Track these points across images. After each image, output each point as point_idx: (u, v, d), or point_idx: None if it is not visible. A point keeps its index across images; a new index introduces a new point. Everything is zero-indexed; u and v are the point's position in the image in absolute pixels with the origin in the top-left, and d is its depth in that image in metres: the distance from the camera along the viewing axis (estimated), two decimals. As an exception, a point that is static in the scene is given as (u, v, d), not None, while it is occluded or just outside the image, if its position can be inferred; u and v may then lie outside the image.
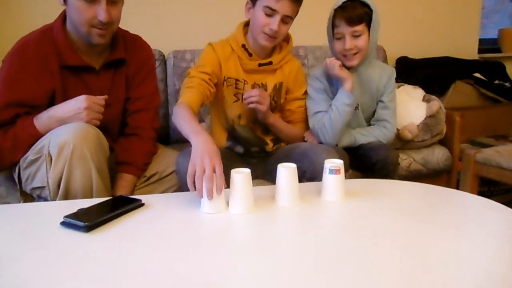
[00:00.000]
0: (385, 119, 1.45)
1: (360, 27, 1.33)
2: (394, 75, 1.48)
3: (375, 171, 1.33)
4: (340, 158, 1.09)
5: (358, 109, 1.46)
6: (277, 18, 1.23)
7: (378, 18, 1.37)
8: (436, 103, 1.70)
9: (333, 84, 1.46)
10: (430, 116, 1.69)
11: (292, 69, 1.41)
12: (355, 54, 1.36)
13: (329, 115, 1.39)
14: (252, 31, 1.31)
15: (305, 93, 1.45)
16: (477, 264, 0.68)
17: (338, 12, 1.34)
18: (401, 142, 1.69)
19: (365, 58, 1.41)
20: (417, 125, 1.66)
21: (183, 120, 1.07)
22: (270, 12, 1.23)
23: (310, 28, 2.29)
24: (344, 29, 1.33)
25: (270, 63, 1.35)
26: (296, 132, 1.45)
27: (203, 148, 0.93)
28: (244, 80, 1.35)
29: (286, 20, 1.26)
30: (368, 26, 1.35)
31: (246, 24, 1.36)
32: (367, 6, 1.34)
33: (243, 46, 1.33)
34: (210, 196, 0.88)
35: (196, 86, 1.23)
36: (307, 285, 0.62)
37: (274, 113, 1.40)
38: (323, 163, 0.99)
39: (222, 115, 1.41)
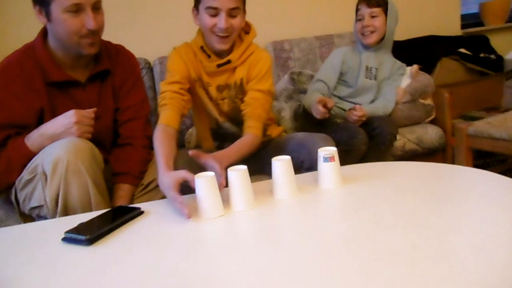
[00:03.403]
0: (386, 93, 1.67)
1: (377, 10, 1.57)
2: (404, 70, 1.71)
3: (373, 137, 1.46)
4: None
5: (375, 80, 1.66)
6: (222, 15, 1.18)
7: (396, 11, 1.61)
8: (415, 66, 1.81)
9: (349, 71, 1.65)
10: (415, 81, 1.80)
11: (254, 60, 1.30)
12: (372, 32, 1.58)
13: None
14: (206, 36, 1.26)
15: (266, 90, 1.30)
16: (481, 232, 0.69)
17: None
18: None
19: (382, 44, 1.63)
20: (404, 89, 1.79)
21: (156, 153, 1.11)
22: (213, 12, 1.18)
23: (292, 21, 2.30)
24: (364, 10, 1.60)
25: (229, 62, 1.27)
26: (249, 142, 1.22)
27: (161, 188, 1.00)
28: (208, 82, 1.31)
29: (233, 13, 1.19)
30: (385, 12, 1.59)
31: None
32: None
33: (202, 48, 1.28)
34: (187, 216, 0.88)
35: (169, 102, 1.21)
36: (314, 274, 0.62)
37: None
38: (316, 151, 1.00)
39: (204, 115, 1.39)
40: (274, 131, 1.45)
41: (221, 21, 1.18)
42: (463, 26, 2.71)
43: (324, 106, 1.44)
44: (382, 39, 1.61)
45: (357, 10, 1.64)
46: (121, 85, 1.29)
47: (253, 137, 1.23)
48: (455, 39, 2.43)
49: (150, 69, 1.95)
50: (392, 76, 1.67)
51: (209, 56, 1.28)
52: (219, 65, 1.28)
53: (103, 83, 1.26)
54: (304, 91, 1.90)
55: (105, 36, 1.24)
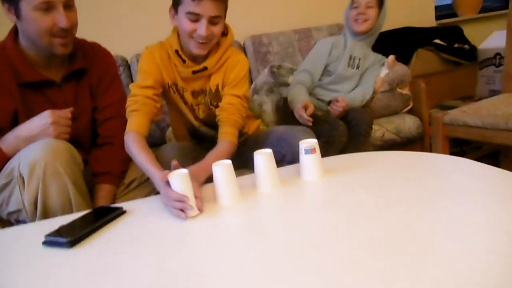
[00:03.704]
0: (365, 82, 1.71)
1: (374, 1, 1.61)
2: (384, 61, 1.76)
3: (350, 128, 1.48)
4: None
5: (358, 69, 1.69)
6: (203, 22, 1.13)
7: (387, 10, 1.65)
8: (392, 56, 1.82)
9: (333, 60, 1.67)
10: (392, 71, 1.84)
11: (230, 65, 1.25)
12: (365, 21, 1.62)
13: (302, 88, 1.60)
14: (182, 39, 1.20)
15: (242, 95, 1.26)
16: (459, 217, 0.71)
17: None
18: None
19: (369, 35, 1.66)
20: (382, 78, 1.81)
21: (139, 159, 1.07)
22: (194, 17, 1.12)
23: (270, 15, 2.30)
24: None
25: (205, 68, 1.23)
26: (226, 149, 1.18)
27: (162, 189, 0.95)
28: (183, 88, 1.26)
29: (215, 20, 1.15)
30: (380, 6, 1.63)
31: None
32: None
33: (177, 52, 1.22)
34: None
35: (141, 108, 1.16)
36: (301, 264, 0.63)
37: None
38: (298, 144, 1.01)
39: (180, 118, 1.36)
40: (251, 127, 1.44)
41: (202, 29, 1.13)
42: (437, 18, 2.77)
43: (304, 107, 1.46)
44: (371, 30, 1.65)
45: None
46: (98, 83, 1.27)
47: (229, 144, 1.19)
48: (430, 30, 2.48)
49: (128, 66, 1.92)
50: (374, 65, 1.71)
51: (184, 61, 1.23)
52: (194, 72, 1.23)
53: (79, 82, 1.23)
54: (284, 84, 1.91)
55: (80, 34, 1.21)
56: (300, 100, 1.51)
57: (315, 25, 2.26)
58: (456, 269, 0.57)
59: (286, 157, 1.20)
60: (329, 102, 1.56)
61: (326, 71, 1.70)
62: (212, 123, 1.30)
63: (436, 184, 0.89)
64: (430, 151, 1.79)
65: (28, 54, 1.14)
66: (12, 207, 1.06)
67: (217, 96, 1.27)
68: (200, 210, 0.88)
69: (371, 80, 1.69)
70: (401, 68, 1.86)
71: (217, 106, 1.27)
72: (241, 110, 1.25)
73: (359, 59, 1.66)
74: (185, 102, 1.30)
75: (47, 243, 0.81)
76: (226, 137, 1.20)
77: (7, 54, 1.13)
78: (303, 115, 1.43)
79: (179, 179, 0.88)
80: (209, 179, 0.98)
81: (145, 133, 1.15)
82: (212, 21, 1.14)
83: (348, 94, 1.63)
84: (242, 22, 1.36)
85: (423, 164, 1.04)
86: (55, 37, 1.09)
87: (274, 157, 0.97)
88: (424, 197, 0.82)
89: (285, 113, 1.70)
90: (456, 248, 0.62)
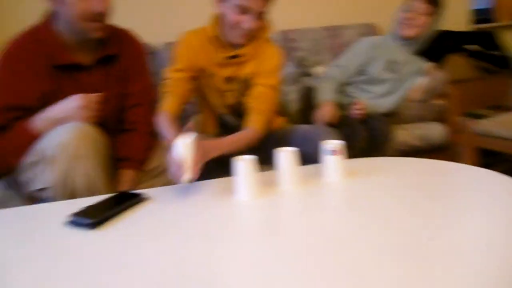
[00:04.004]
0: (400, 89, 1.66)
1: (429, 8, 1.56)
2: (424, 68, 1.71)
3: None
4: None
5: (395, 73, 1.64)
6: (250, 16, 1.16)
7: (439, 21, 1.61)
8: (431, 64, 1.79)
9: (370, 61, 1.64)
10: (432, 79, 1.79)
11: (265, 56, 1.29)
12: (413, 27, 1.56)
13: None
14: (224, 27, 1.23)
15: (274, 86, 1.29)
16: (481, 231, 0.69)
17: None
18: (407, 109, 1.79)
19: (414, 43, 1.61)
20: (422, 87, 1.79)
21: (165, 133, 1.15)
22: (243, 10, 1.16)
23: (301, 11, 2.27)
24: (417, 3, 1.57)
25: (239, 56, 1.26)
26: (249, 136, 1.21)
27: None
28: (216, 73, 1.30)
29: (261, 15, 1.20)
30: (433, 16, 1.58)
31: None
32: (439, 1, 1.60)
33: (214, 37, 1.26)
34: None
35: (173, 90, 1.23)
36: (316, 264, 0.63)
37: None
38: (318, 145, 1.00)
39: (208, 104, 1.38)
40: (275, 123, 1.44)
41: (249, 22, 1.17)
42: (473, 21, 2.67)
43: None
44: (418, 37, 1.60)
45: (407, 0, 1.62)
46: (127, 70, 1.29)
47: (253, 131, 1.22)
48: (464, 34, 2.40)
49: (155, 54, 1.94)
50: (414, 73, 1.67)
51: (220, 47, 1.27)
52: (228, 58, 1.27)
53: (109, 68, 1.25)
54: (309, 75, 1.90)
55: (112, 20, 1.23)
56: (325, 98, 1.49)
57: (345, 23, 2.22)
58: (475, 281, 0.55)
59: (309, 156, 1.19)
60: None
61: (360, 70, 1.66)
62: (239, 112, 1.31)
63: (463, 196, 0.86)
64: (456, 160, 1.74)
65: (62, 37, 1.17)
66: (39, 185, 1.10)
67: (248, 84, 1.30)
68: (192, 178, 0.93)
69: (407, 88, 1.65)
70: (440, 76, 1.80)
71: (247, 94, 1.29)
72: (272, 100, 1.27)
73: (398, 63, 1.62)
74: (217, 88, 1.32)
75: (71, 222, 0.83)
76: (252, 125, 1.22)
77: (41, 37, 1.16)
78: (321, 119, 1.42)
79: (180, 145, 0.93)
80: (227, 173, 0.99)
81: (176, 113, 1.21)
82: (259, 16, 1.19)
83: (377, 100, 1.60)
84: (271, 17, 1.36)
85: (448, 174, 1.01)
86: (91, 22, 1.11)
87: (298, 155, 0.97)
88: (448, 209, 0.80)
89: (307, 103, 1.70)
90: (475, 262, 0.60)
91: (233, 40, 1.23)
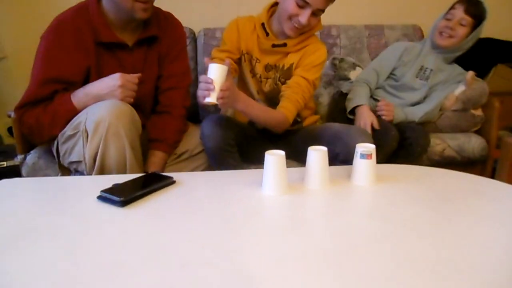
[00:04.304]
0: (432, 100, 1.60)
1: (469, 20, 1.50)
2: (462, 77, 1.64)
3: (402, 147, 1.41)
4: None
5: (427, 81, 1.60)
6: (308, 11, 1.18)
7: (481, 33, 1.55)
8: (471, 73, 1.70)
9: (401, 66, 1.61)
10: (470, 89, 1.70)
11: (310, 50, 1.30)
12: (450, 37, 1.53)
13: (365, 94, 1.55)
14: (278, 15, 1.27)
15: (311, 80, 1.30)
16: (506, 252, 0.66)
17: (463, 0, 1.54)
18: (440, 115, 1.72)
19: (450, 52, 1.57)
20: (456, 96, 1.69)
21: None
22: (302, 3, 1.18)
23: (343, 6, 2.21)
24: (458, 12, 1.52)
25: (284, 45, 1.29)
26: (277, 116, 1.24)
27: None
28: (257, 59, 1.33)
29: (318, 13, 1.22)
30: (474, 27, 1.52)
31: (275, 4, 1.33)
32: (483, 12, 1.53)
33: (263, 24, 1.30)
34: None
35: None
36: (335, 268, 0.62)
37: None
38: (354, 146, 0.98)
39: (243, 89, 1.39)
40: (308, 120, 1.43)
41: (304, 17, 1.19)
42: (526, 32, 2.53)
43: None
44: (454, 47, 1.56)
45: (451, 7, 1.56)
46: (166, 52, 1.30)
47: (282, 116, 1.24)
48: (513, 45, 2.28)
49: (194, 39, 1.95)
50: (448, 81, 1.61)
51: (267, 34, 1.29)
52: (274, 45, 1.29)
53: (149, 49, 1.27)
54: (344, 78, 1.85)
55: (155, 3, 1.24)
56: (362, 102, 1.47)
57: (388, 23, 2.15)
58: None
59: (339, 156, 1.17)
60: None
61: (392, 75, 1.63)
62: (273, 100, 1.33)
63: (497, 216, 0.83)
64: (492, 176, 1.67)
65: (108, 16, 1.19)
66: (74, 157, 1.14)
67: (288, 74, 1.32)
68: (217, 101, 0.99)
69: (440, 97, 1.60)
70: (480, 86, 1.71)
71: (284, 83, 1.31)
72: (306, 93, 1.29)
73: (431, 70, 1.57)
74: (254, 74, 1.35)
75: (101, 198, 0.86)
76: (282, 110, 1.25)
77: (89, 13, 1.18)
78: (363, 125, 1.40)
79: (214, 68, 0.97)
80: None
81: None
82: (316, 13, 1.20)
83: (409, 108, 1.56)
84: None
85: (479, 190, 0.97)
86: (138, 2, 1.12)
87: (327, 154, 0.95)
88: (480, 227, 0.77)
89: (336, 107, 1.66)
90: (492, 280, 0.58)
91: (286, 32, 1.24)
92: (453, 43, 1.54)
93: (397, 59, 1.60)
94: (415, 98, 1.60)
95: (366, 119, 1.42)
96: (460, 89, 1.64)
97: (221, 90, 0.99)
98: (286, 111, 1.24)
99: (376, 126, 1.42)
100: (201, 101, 1.01)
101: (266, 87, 1.36)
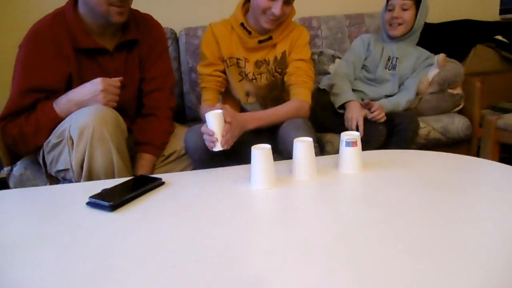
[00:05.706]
0: (409, 87, 1.62)
1: (409, 2, 1.53)
2: (433, 61, 1.66)
3: (393, 134, 1.43)
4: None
5: (394, 71, 1.62)
6: (279, 1, 1.21)
7: (427, 6, 1.56)
8: (442, 55, 1.73)
9: (369, 58, 1.63)
10: (444, 71, 1.73)
11: (295, 35, 1.35)
12: (399, 24, 1.56)
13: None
14: (253, 12, 1.29)
15: (307, 59, 1.36)
16: (499, 228, 0.68)
17: None
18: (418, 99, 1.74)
19: (407, 36, 1.60)
20: (430, 79, 1.72)
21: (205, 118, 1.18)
22: None
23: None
24: (395, 1, 1.56)
25: (270, 38, 1.32)
26: (294, 106, 1.27)
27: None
28: (245, 59, 1.35)
29: (289, 1, 1.24)
30: (417, 6, 1.55)
31: (247, 1, 1.34)
32: None
33: (242, 24, 1.31)
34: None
35: (207, 85, 1.35)
36: (328, 256, 0.63)
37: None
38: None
39: (229, 95, 1.44)
40: None
41: (277, 8, 1.21)
42: (502, 12, 2.57)
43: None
44: (408, 31, 1.59)
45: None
46: (147, 55, 1.30)
47: (298, 101, 1.28)
48: (493, 24, 2.31)
49: (176, 39, 1.94)
50: (418, 67, 1.64)
51: (249, 33, 1.31)
52: (260, 41, 1.32)
53: (130, 53, 1.27)
54: (324, 72, 1.86)
55: (133, 5, 1.23)
56: (350, 98, 1.47)
57: (368, 11, 2.17)
58: (488, 275, 0.55)
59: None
60: (364, 100, 1.52)
61: (364, 66, 1.66)
62: (272, 92, 1.36)
63: (483, 193, 0.85)
64: (477, 154, 1.70)
65: (85, 21, 1.18)
66: (60, 165, 1.13)
67: (283, 63, 1.35)
68: (223, 147, 1.03)
69: (415, 83, 1.62)
70: (453, 67, 1.75)
71: (282, 73, 1.35)
72: (308, 72, 1.33)
73: (396, 58, 1.60)
74: (245, 75, 1.36)
75: (90, 204, 0.86)
76: (297, 97, 1.29)
77: (66, 20, 1.17)
78: (354, 127, 1.41)
79: (210, 117, 1.02)
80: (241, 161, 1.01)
81: (216, 103, 1.33)
82: (287, 1, 1.23)
83: (390, 100, 1.58)
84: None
85: (467, 169, 0.99)
86: (112, 6, 1.12)
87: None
88: (466, 204, 0.79)
89: (317, 104, 1.66)
90: (491, 258, 0.59)
91: (264, 26, 1.27)
92: (406, 29, 1.57)
93: (365, 49, 1.64)
94: (389, 89, 1.62)
95: (358, 113, 1.43)
96: (433, 72, 1.67)
97: (222, 136, 1.03)
98: (298, 96, 1.29)
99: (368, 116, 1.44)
100: (211, 149, 1.05)
101: (263, 82, 1.38)
